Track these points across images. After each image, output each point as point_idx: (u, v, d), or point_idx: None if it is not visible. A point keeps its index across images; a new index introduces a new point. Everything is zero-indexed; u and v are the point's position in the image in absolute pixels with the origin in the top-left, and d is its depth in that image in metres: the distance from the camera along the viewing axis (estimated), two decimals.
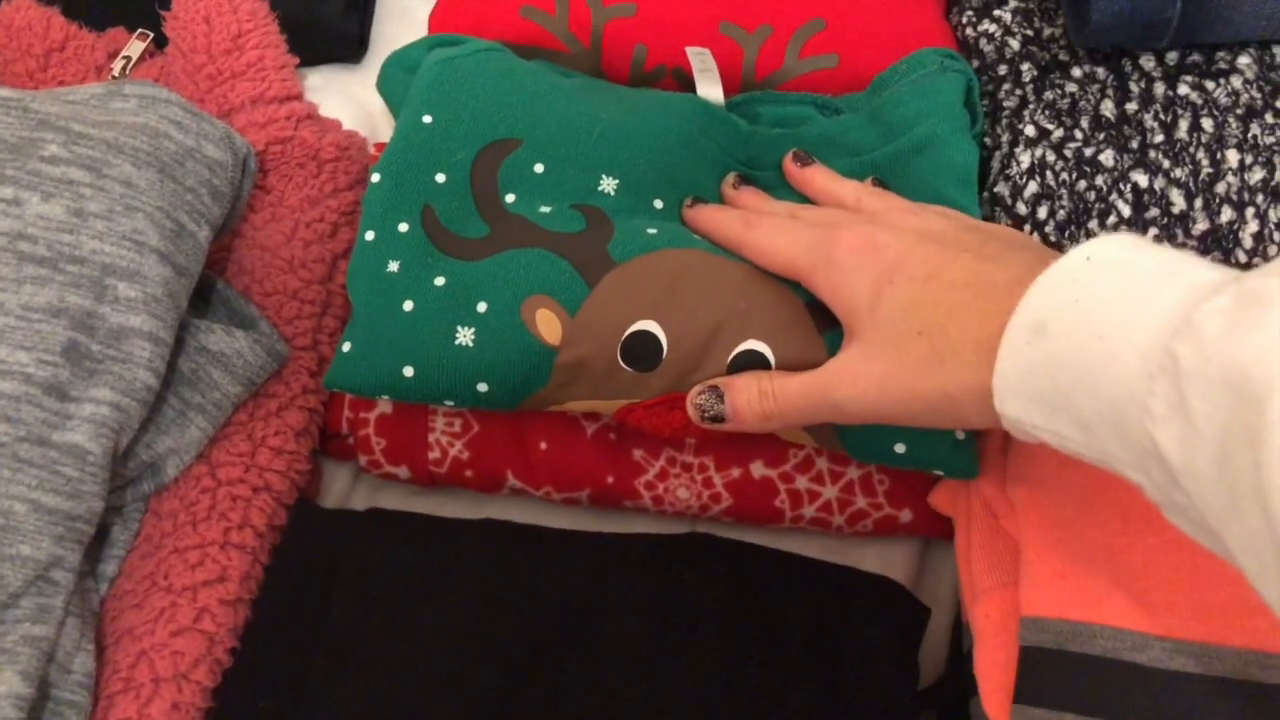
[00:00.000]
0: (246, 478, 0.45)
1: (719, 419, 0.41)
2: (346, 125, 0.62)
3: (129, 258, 0.43)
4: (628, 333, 0.42)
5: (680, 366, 0.42)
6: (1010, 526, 0.41)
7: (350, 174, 0.56)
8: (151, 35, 0.60)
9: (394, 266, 0.44)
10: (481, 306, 0.42)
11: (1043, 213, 0.49)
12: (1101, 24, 0.49)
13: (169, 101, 0.47)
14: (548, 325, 0.42)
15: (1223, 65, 0.51)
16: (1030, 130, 0.51)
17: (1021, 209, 0.49)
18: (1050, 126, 0.51)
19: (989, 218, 0.51)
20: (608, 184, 0.46)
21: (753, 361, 0.42)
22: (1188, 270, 0.31)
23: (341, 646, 0.41)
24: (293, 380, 0.48)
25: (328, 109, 0.62)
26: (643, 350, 0.42)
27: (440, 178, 0.46)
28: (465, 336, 0.42)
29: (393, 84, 0.52)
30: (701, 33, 0.56)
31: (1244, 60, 0.51)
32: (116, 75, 0.58)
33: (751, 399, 0.40)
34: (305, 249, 0.52)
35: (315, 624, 0.42)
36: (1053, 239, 0.49)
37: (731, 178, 0.49)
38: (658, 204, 0.46)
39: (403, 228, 0.44)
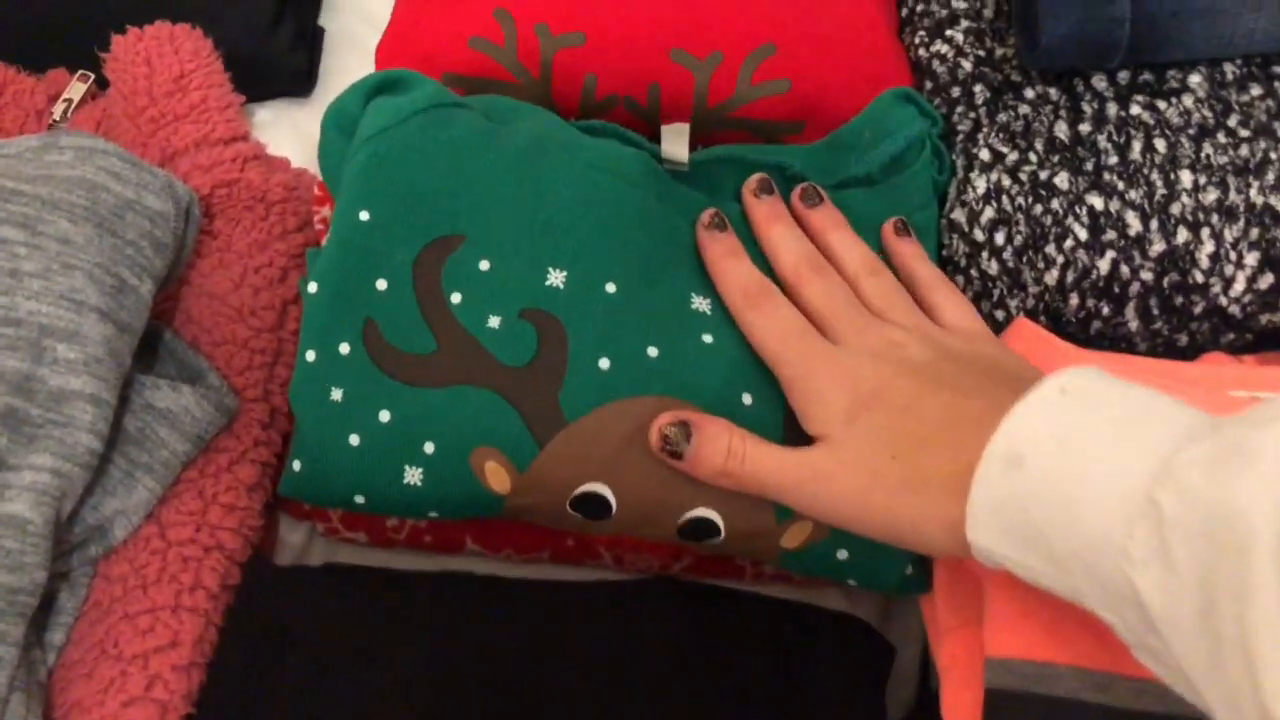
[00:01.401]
0: (198, 537, 0.44)
1: (677, 455, 0.40)
2: (296, 162, 0.61)
3: (67, 318, 0.42)
4: (577, 492, 0.42)
5: (630, 521, 0.43)
6: (974, 565, 0.41)
7: (299, 215, 0.55)
8: (93, 76, 0.59)
9: (337, 395, 0.42)
10: (429, 448, 0.41)
11: (1000, 238, 0.49)
12: (1051, 45, 0.49)
13: (106, 152, 0.46)
14: (496, 476, 0.42)
15: (1174, 84, 0.51)
16: (985, 154, 0.51)
17: (979, 235, 0.49)
18: (1004, 150, 0.51)
19: (946, 245, 0.51)
20: (555, 277, 0.44)
21: (702, 529, 0.42)
22: (1163, 412, 0.32)
23: (297, 709, 0.40)
24: (244, 434, 0.47)
25: (276, 145, 0.61)
26: (592, 507, 0.42)
27: (381, 284, 0.44)
28: (414, 476, 0.42)
29: (330, 150, 0.49)
30: (652, 61, 0.55)
31: (1195, 79, 0.50)
32: (57, 120, 0.57)
33: (718, 450, 0.39)
34: (254, 296, 0.51)
35: (271, 686, 0.41)
36: (1010, 265, 0.48)
37: (753, 182, 0.48)
38: (610, 288, 0.44)
39: (344, 349, 0.42)
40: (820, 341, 0.41)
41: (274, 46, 0.61)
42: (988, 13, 0.55)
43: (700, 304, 0.45)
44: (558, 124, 0.50)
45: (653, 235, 0.46)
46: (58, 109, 0.57)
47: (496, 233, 0.45)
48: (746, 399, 0.42)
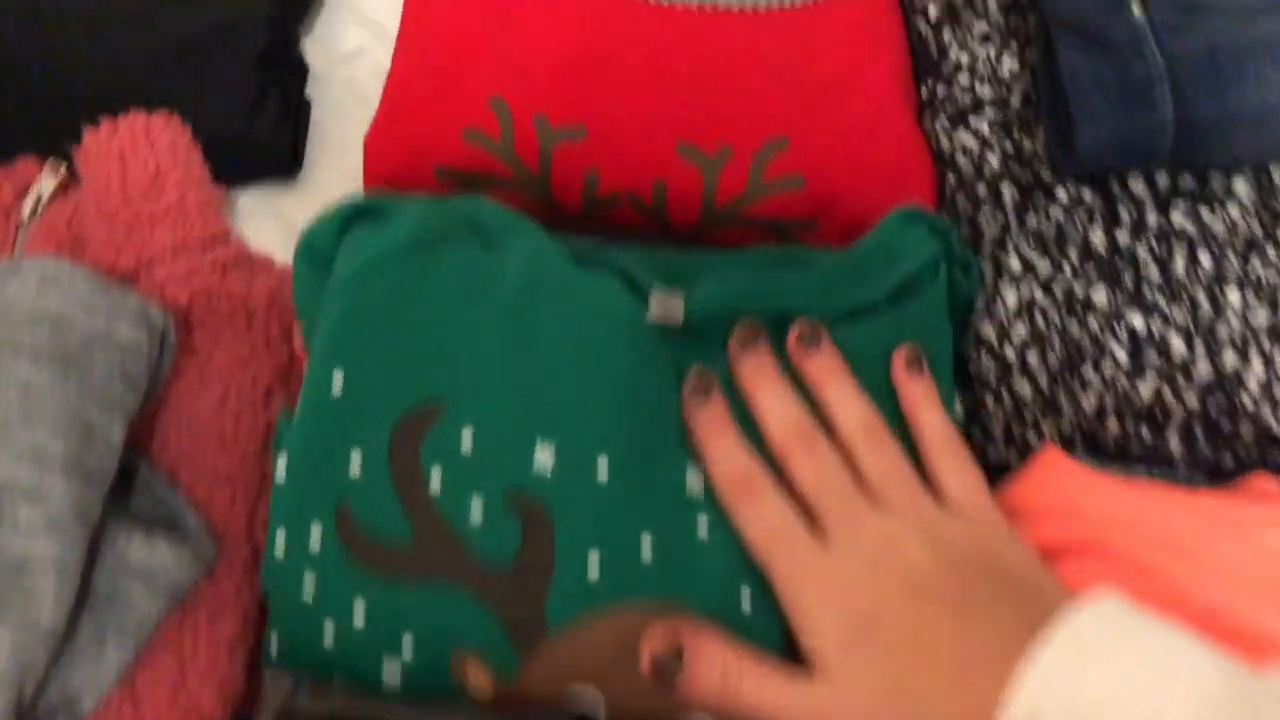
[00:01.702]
0: (176, 702, 0.41)
1: (669, 683, 0.37)
2: (280, 253, 0.57)
3: (28, 477, 0.38)
4: (564, 698, 0.39)
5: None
6: None
7: (284, 321, 0.51)
8: (64, 165, 0.55)
9: (309, 582, 0.39)
10: (407, 644, 0.39)
11: (1033, 359, 0.46)
12: (1088, 150, 0.45)
13: (74, 278, 0.43)
14: (478, 680, 0.39)
15: (1218, 191, 0.47)
16: (1014, 263, 0.48)
17: (1010, 355, 0.46)
18: (1036, 258, 0.48)
19: (972, 360, 0.48)
20: (544, 454, 0.41)
21: None
22: (1188, 672, 0.31)
23: None
24: (224, 580, 0.44)
25: (259, 233, 0.58)
26: (581, 712, 0.39)
27: (355, 461, 0.41)
28: (392, 674, 0.39)
29: (303, 287, 0.46)
30: (657, 157, 0.52)
31: (1241, 187, 0.47)
32: (26, 219, 0.53)
33: (713, 674, 0.37)
34: (237, 421, 0.47)
35: None
36: (1045, 389, 0.45)
37: (738, 332, 0.44)
38: (601, 467, 0.41)
39: (315, 534, 0.40)
40: (809, 545, 0.38)
41: (256, 129, 0.58)
42: (1014, 101, 0.52)
43: (695, 484, 0.41)
44: (551, 255, 0.46)
45: (648, 399, 0.42)
46: (27, 205, 0.54)
47: (481, 397, 0.42)
48: (745, 601, 0.39)
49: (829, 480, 0.40)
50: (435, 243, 0.46)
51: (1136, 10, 0.46)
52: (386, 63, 0.64)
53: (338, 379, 0.42)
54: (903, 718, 0.34)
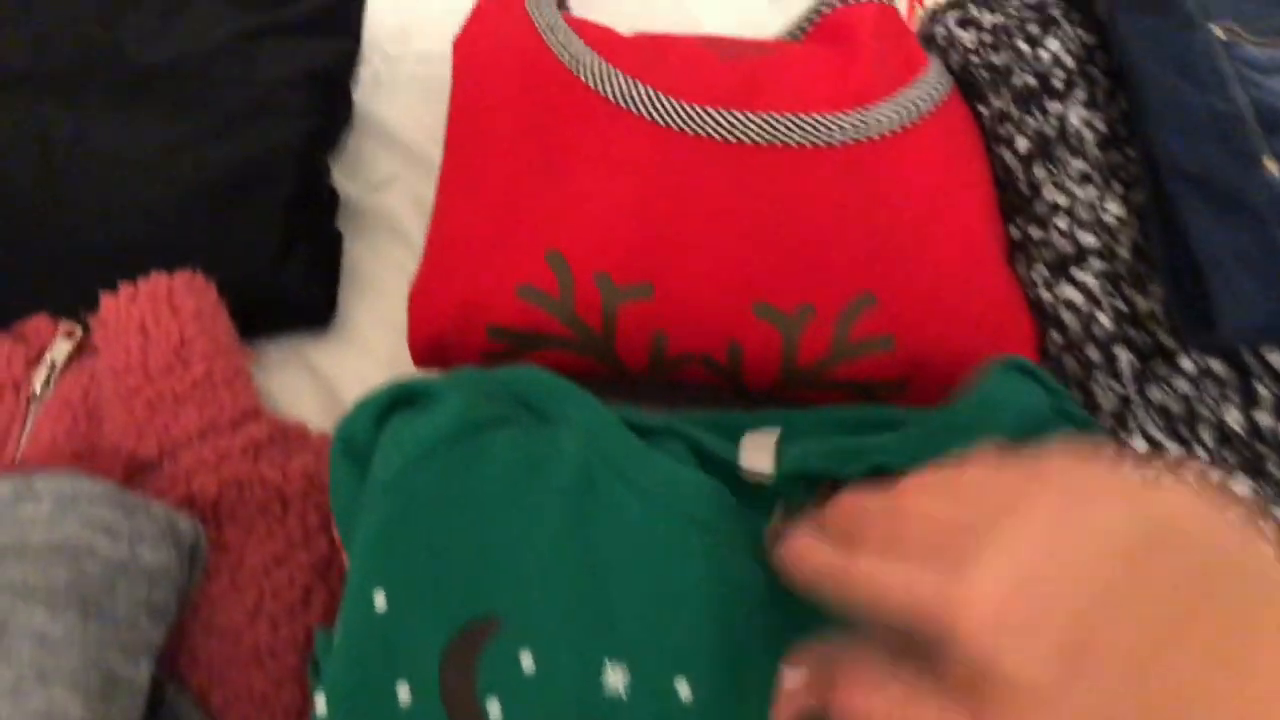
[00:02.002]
0: None
1: None
2: (311, 409, 0.53)
3: None
4: None
5: None
6: None
7: (323, 508, 0.46)
8: (79, 329, 0.50)
9: None
10: None
11: None
12: (1234, 337, 0.40)
13: (92, 499, 0.38)
14: None
15: None
16: (1140, 444, 0.43)
17: None
18: (1164, 439, 0.43)
19: None
20: (615, 677, 0.36)
21: None
22: None
23: None
24: None
25: (287, 387, 0.54)
26: None
27: (403, 693, 0.36)
28: None
29: (340, 483, 0.41)
30: (732, 317, 0.47)
31: None
32: (38, 393, 0.49)
33: None
34: (273, 631, 0.42)
35: None
36: None
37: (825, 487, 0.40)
38: (683, 691, 0.36)
39: None
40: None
41: (284, 280, 0.53)
42: (1123, 251, 0.47)
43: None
44: (613, 431, 0.41)
45: (729, 601, 0.38)
46: (39, 378, 0.49)
47: (539, 613, 0.37)
48: None
49: None
50: (481, 430, 0.41)
51: (1273, 168, 0.41)
52: (421, 189, 0.60)
53: (379, 598, 0.38)
54: None
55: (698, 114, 0.50)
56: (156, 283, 0.48)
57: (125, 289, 0.48)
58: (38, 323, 0.51)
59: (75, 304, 0.51)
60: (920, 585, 0.29)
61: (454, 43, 0.56)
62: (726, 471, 0.42)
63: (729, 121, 0.50)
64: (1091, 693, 0.25)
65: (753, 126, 0.50)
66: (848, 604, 0.31)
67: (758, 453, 0.41)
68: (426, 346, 0.49)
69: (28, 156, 0.52)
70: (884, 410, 0.46)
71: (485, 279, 0.48)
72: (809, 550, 0.33)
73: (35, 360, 0.50)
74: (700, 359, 0.48)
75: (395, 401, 0.42)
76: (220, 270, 0.51)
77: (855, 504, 0.34)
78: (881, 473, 0.42)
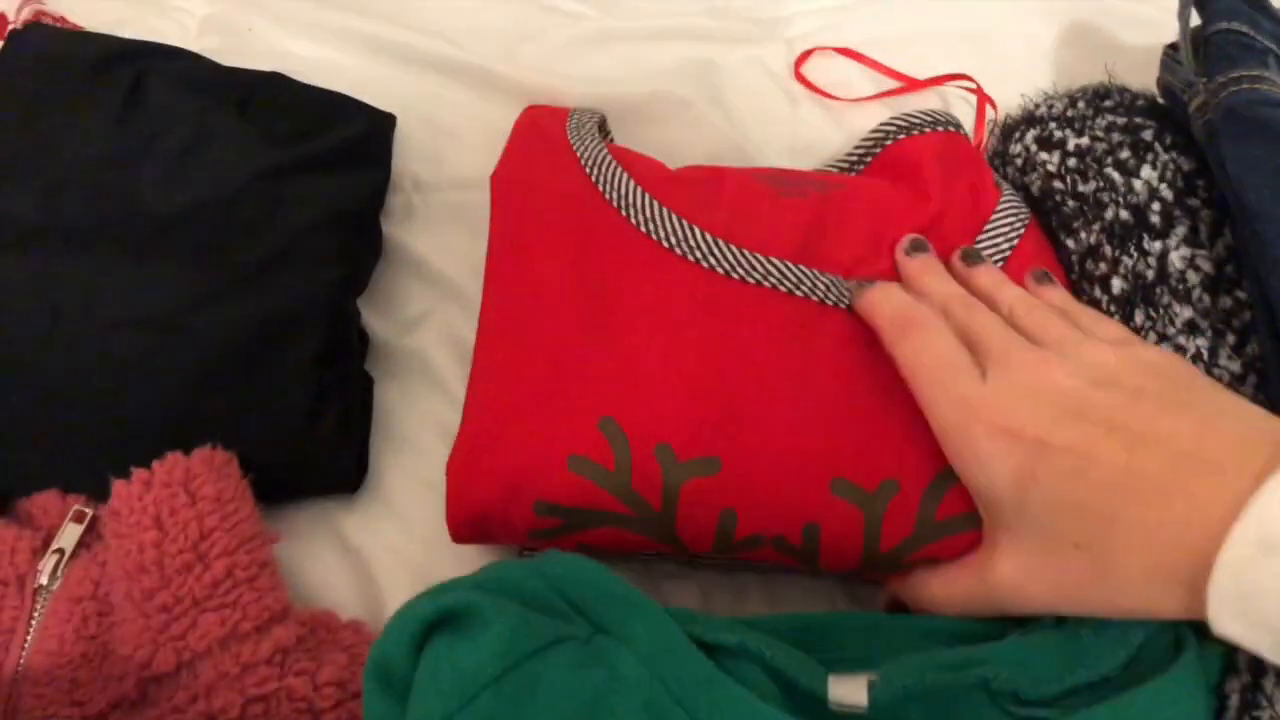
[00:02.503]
0: None
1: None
2: (340, 585, 0.49)
3: None
4: None
5: None
6: None
7: (358, 719, 0.42)
8: (90, 514, 0.46)
9: None
10: None
11: None
12: None
13: None
14: None
15: None
16: None
17: None
18: None
19: None
20: None
21: None
22: None
23: None
24: None
25: (315, 559, 0.50)
26: None
27: None
28: None
29: (375, 714, 0.37)
30: (807, 495, 0.42)
31: None
32: (44, 585, 0.45)
33: (919, 600, 0.41)
34: None
35: None
36: None
37: (905, 241, 0.47)
38: None
39: None
40: (974, 376, 0.39)
41: (312, 448, 0.49)
42: None
43: None
44: (681, 657, 0.37)
45: None
46: (45, 568, 0.45)
47: None
48: None
49: (989, 324, 0.41)
50: (531, 659, 0.36)
51: None
52: (457, 327, 0.56)
53: None
54: (1080, 549, 0.34)
55: (761, 265, 0.46)
56: (173, 466, 0.44)
57: (138, 475, 0.44)
58: (45, 500, 0.47)
59: (86, 475, 0.47)
60: (940, 373, 0.40)
61: (492, 177, 0.51)
62: (810, 698, 0.37)
63: (796, 277, 0.45)
64: (1037, 503, 0.36)
65: (820, 286, 0.45)
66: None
67: (848, 687, 0.36)
68: (467, 523, 0.45)
69: (37, 319, 0.48)
70: (976, 623, 0.41)
71: (532, 449, 0.43)
72: (890, 294, 0.44)
73: (42, 548, 0.46)
74: (772, 541, 0.43)
75: (437, 621, 0.37)
76: (243, 441, 0.47)
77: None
78: (987, 688, 0.38)
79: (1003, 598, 0.38)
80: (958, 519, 0.42)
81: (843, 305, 0.45)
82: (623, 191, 0.49)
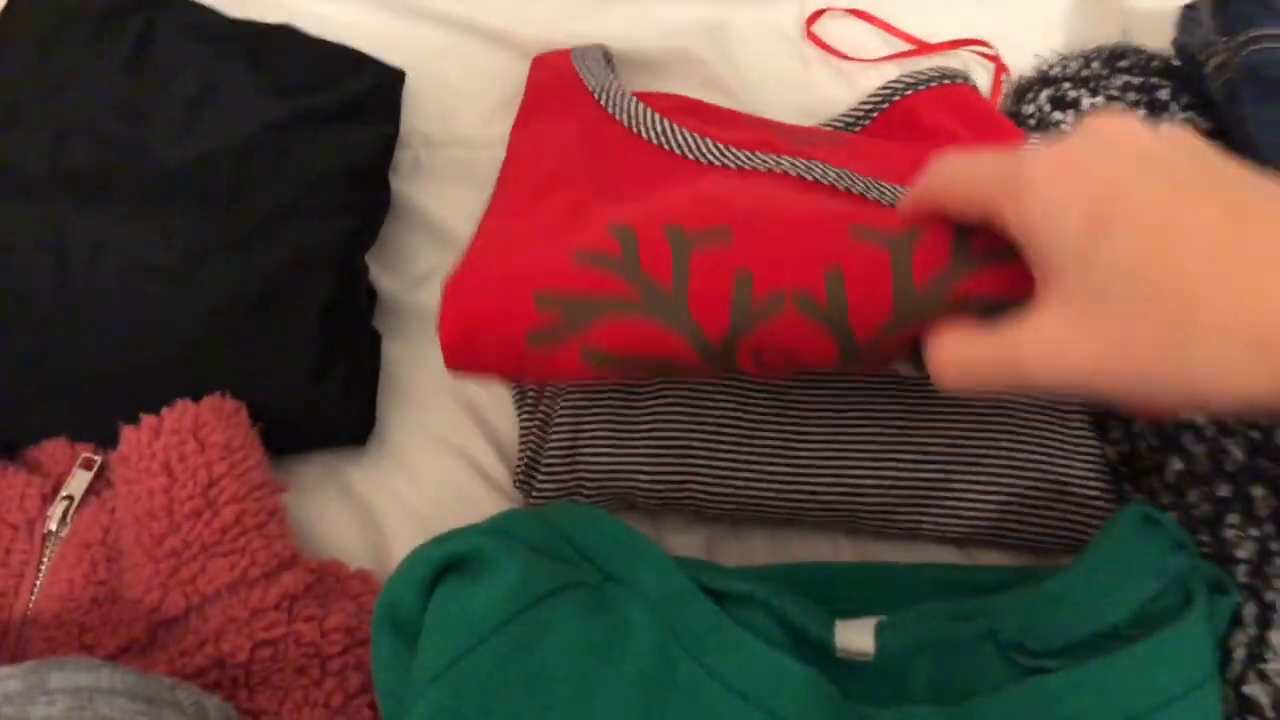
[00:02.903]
0: None
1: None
2: (346, 535, 0.49)
3: None
4: None
5: None
6: None
7: (364, 667, 0.42)
8: (99, 461, 0.46)
9: None
10: None
11: None
12: None
13: (113, 693, 0.34)
14: None
15: None
16: None
17: None
18: None
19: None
20: None
21: None
22: None
23: None
24: None
25: (322, 511, 0.50)
26: None
27: None
28: None
29: (387, 666, 0.37)
30: (827, 243, 0.38)
31: None
32: (53, 531, 0.45)
33: (942, 368, 0.35)
34: None
35: None
36: None
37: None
38: None
39: None
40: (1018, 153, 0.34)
41: (320, 399, 0.49)
42: None
43: None
44: (690, 603, 0.37)
45: None
46: (54, 514, 0.45)
47: None
48: None
49: None
50: (540, 604, 0.36)
51: None
52: None
53: None
54: (1153, 303, 0.29)
55: (774, 159, 0.45)
56: (182, 413, 0.44)
57: (148, 421, 0.44)
58: (54, 448, 0.47)
59: (95, 424, 0.47)
60: (976, 170, 0.34)
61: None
62: (818, 646, 0.37)
63: (822, 170, 0.44)
64: (1107, 256, 0.30)
65: (833, 173, 0.44)
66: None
67: (856, 634, 0.36)
68: (461, 337, 0.40)
69: (44, 266, 0.48)
70: (986, 571, 0.41)
71: (536, 250, 0.40)
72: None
73: (51, 494, 0.46)
74: (794, 299, 0.37)
75: (446, 565, 0.37)
76: (251, 390, 0.47)
77: None
78: (995, 639, 0.38)
79: (1032, 367, 0.33)
80: (999, 250, 0.36)
81: (884, 202, 0.43)
82: (632, 112, 0.49)
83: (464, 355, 0.40)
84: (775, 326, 0.37)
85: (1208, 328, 0.29)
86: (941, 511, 0.46)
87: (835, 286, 0.37)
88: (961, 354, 0.34)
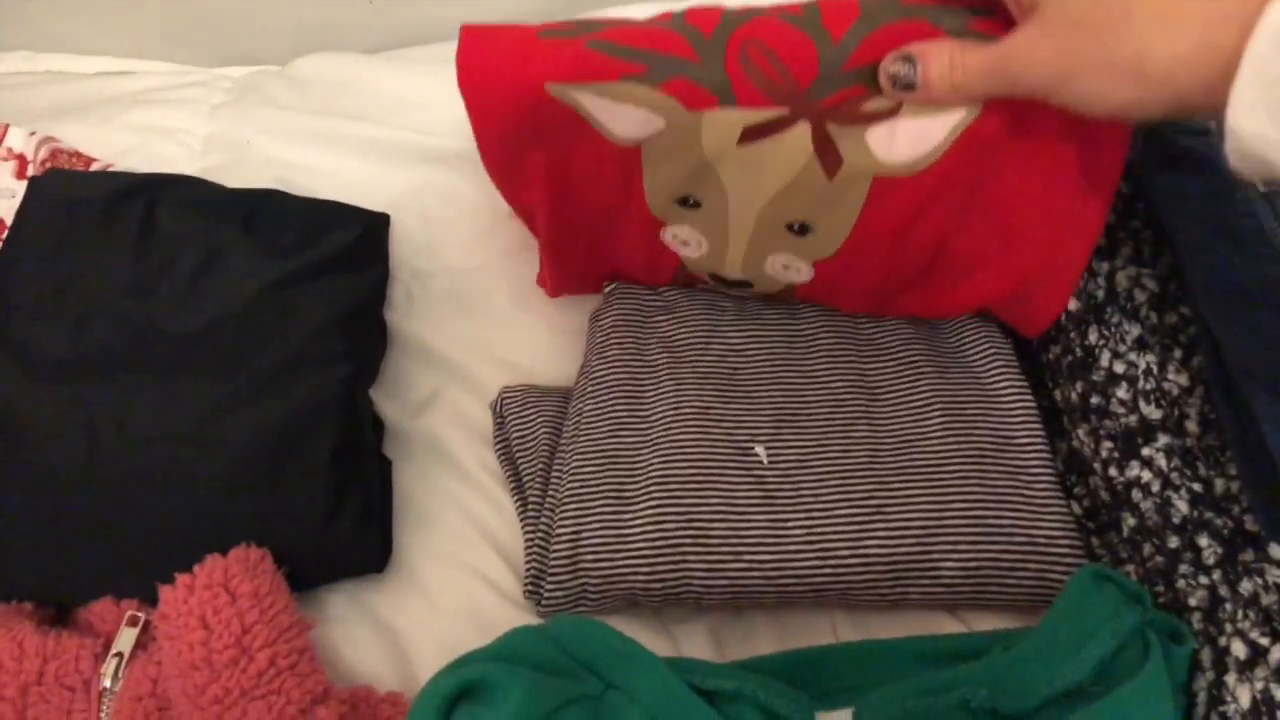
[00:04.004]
0: None
1: (910, 87, 0.43)
2: (374, 661, 0.53)
3: None
4: None
5: None
6: None
7: None
8: (143, 618, 0.51)
9: None
10: None
11: None
12: None
13: None
14: None
15: None
16: (1239, 648, 0.40)
17: None
18: (1263, 640, 0.40)
19: None
20: None
21: None
22: None
23: None
24: None
25: (351, 642, 0.54)
26: None
27: None
28: None
29: None
30: None
31: None
32: (108, 687, 0.49)
33: (943, 69, 0.42)
34: None
35: None
36: None
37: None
38: None
39: None
40: None
41: (338, 535, 0.53)
42: (1191, 425, 0.45)
43: None
44: (683, 707, 0.40)
45: None
46: (107, 671, 0.49)
47: None
48: None
49: None
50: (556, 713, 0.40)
51: None
52: (464, 406, 0.60)
53: None
54: (1105, 31, 0.37)
55: None
56: (212, 568, 0.48)
57: (182, 580, 0.48)
58: (101, 608, 0.52)
59: (135, 581, 0.51)
60: None
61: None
62: None
63: None
64: None
65: None
66: None
67: (836, 718, 0.39)
68: (479, 36, 0.48)
69: (76, 443, 0.52)
70: (963, 639, 0.44)
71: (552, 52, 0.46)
72: None
73: (102, 653, 0.50)
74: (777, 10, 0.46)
75: (457, 694, 0.41)
76: (272, 536, 0.51)
77: None
78: (968, 707, 0.41)
79: (1017, 69, 0.41)
80: None
81: None
82: None
83: (475, 52, 0.46)
84: (757, 25, 0.45)
85: (1127, 54, 0.37)
86: (924, 580, 0.49)
87: None
88: (953, 63, 0.42)
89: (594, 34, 0.46)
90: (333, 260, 0.59)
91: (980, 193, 0.48)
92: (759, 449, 0.52)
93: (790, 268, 0.53)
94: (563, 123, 0.47)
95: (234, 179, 0.62)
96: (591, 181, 0.51)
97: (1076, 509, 0.50)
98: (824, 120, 0.45)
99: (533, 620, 0.53)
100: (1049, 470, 0.51)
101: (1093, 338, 0.49)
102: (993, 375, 0.53)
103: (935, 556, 0.49)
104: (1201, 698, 0.41)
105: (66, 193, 0.58)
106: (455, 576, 0.54)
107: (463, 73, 0.47)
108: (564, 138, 0.48)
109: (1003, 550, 0.49)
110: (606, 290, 0.59)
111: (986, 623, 0.51)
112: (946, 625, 0.51)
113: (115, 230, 0.57)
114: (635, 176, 0.50)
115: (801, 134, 0.45)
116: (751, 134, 0.46)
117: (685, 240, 0.54)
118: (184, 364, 0.54)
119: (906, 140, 0.45)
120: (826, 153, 0.46)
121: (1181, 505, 0.44)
